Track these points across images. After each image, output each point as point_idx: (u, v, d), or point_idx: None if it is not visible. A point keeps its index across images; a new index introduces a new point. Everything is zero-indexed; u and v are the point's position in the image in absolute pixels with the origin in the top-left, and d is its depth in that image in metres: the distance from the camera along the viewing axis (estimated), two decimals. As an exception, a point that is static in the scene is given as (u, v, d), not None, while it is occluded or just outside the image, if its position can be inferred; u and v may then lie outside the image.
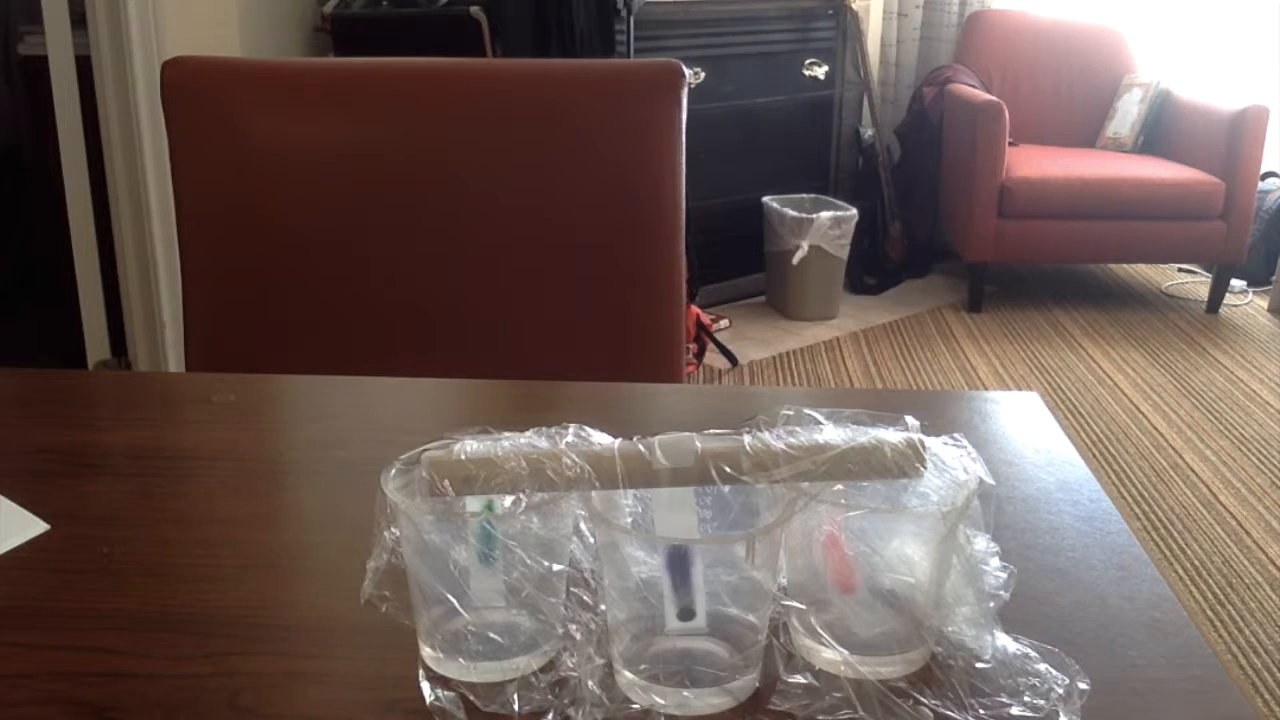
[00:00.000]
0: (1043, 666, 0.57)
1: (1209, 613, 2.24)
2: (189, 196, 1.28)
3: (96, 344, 2.66)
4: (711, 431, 0.58)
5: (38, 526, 0.71)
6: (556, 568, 0.57)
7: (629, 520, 0.58)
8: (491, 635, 0.57)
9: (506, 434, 0.58)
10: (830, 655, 0.57)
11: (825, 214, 3.86)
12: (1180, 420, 3.17)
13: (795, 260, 3.82)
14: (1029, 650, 0.58)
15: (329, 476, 0.81)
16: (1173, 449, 2.98)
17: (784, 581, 0.59)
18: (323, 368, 1.12)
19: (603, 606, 0.58)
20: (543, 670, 0.57)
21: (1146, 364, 3.60)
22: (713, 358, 3.50)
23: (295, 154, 1.28)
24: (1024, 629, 0.59)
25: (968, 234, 4.00)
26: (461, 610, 0.57)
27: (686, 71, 1.27)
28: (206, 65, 1.30)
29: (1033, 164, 3.98)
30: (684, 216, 1.26)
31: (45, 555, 0.69)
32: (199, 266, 1.28)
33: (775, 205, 3.90)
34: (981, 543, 0.59)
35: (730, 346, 3.54)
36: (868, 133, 4.35)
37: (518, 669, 0.57)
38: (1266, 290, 4.22)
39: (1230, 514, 2.63)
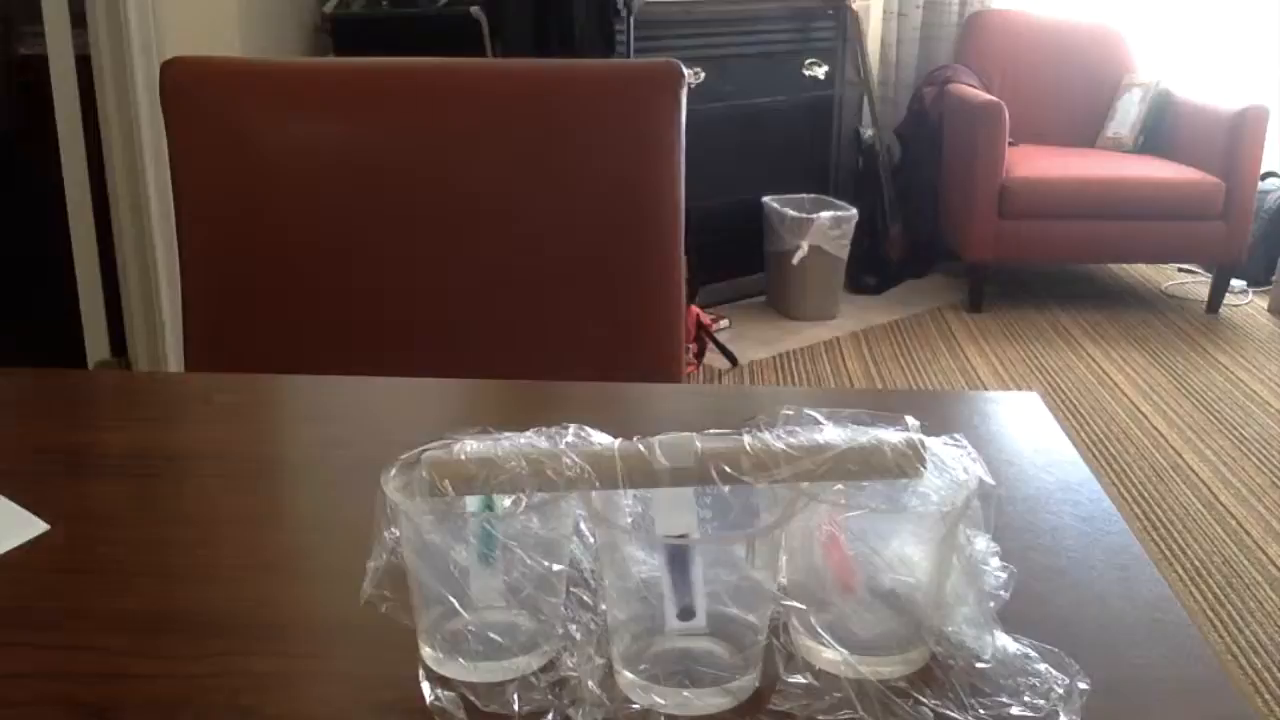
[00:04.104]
0: (1043, 666, 0.57)
1: (1209, 613, 2.24)
2: (188, 196, 1.28)
3: (96, 344, 2.65)
4: (711, 431, 0.58)
5: (37, 526, 0.71)
6: (556, 568, 0.57)
7: (629, 520, 0.58)
8: (491, 635, 0.57)
9: (506, 434, 0.58)
10: (830, 655, 0.57)
11: (825, 214, 3.86)
12: (1180, 420, 3.17)
13: (795, 260, 3.82)
14: (1029, 650, 0.58)
15: (329, 476, 0.81)
16: (1173, 449, 2.98)
17: (784, 581, 0.59)
18: (322, 368, 1.12)
19: (603, 606, 0.58)
20: (543, 670, 0.57)
21: (1146, 364, 3.60)
22: (713, 358, 3.50)
23: (294, 154, 1.28)
24: (1024, 629, 0.59)
25: (968, 234, 4.00)
26: (461, 610, 0.57)
27: (686, 71, 1.27)
28: (205, 65, 1.30)
29: (1033, 164, 3.98)
30: (684, 216, 1.26)
31: (45, 555, 0.69)
32: (198, 266, 1.28)
33: (775, 205, 3.90)
34: (982, 543, 0.59)
35: (730, 346, 3.54)
36: (868, 133, 4.35)
37: (518, 669, 0.57)
38: (1266, 290, 4.22)
39: (1230, 514, 2.63)
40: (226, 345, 1.27)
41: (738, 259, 3.97)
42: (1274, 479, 2.81)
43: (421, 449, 0.58)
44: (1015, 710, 0.54)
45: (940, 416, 0.92)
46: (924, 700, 0.55)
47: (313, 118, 1.29)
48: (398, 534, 0.58)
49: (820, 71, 4.10)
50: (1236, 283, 4.21)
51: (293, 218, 1.22)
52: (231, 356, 1.25)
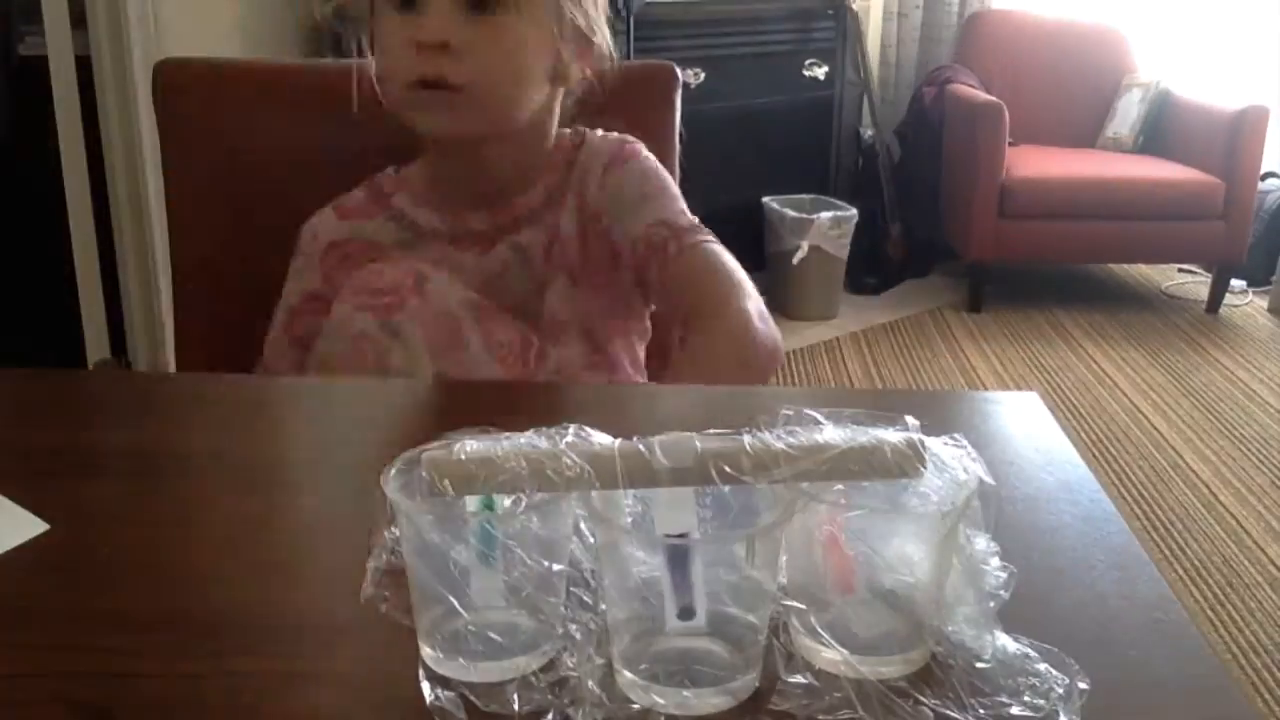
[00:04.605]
0: (1043, 666, 0.57)
1: (1209, 613, 2.24)
2: (181, 198, 1.28)
3: (96, 344, 2.65)
4: (711, 431, 0.58)
5: (37, 526, 0.71)
6: (556, 568, 0.57)
7: (629, 520, 0.58)
8: (491, 635, 0.57)
9: (506, 434, 0.58)
10: (830, 655, 0.57)
11: (825, 214, 3.86)
12: (1180, 420, 3.17)
13: (795, 260, 3.82)
14: (1029, 650, 0.58)
15: (329, 477, 0.81)
16: (1173, 449, 2.98)
17: (784, 581, 0.59)
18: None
19: (603, 606, 0.58)
20: (543, 670, 0.57)
21: (1146, 364, 3.60)
22: (713, 358, 3.49)
23: (289, 155, 1.27)
24: (1024, 629, 0.59)
25: (968, 234, 4.00)
26: (461, 610, 0.57)
27: (686, 72, 1.27)
28: (200, 66, 1.30)
29: (1033, 164, 3.99)
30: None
31: (45, 555, 0.69)
32: (190, 267, 1.28)
33: (775, 205, 3.90)
34: (981, 543, 0.59)
35: (730, 346, 3.53)
36: (868, 133, 4.35)
37: (518, 669, 0.57)
38: (1266, 290, 4.22)
39: (1230, 514, 2.63)
40: (218, 346, 1.27)
41: (738, 259, 3.96)
42: (1274, 479, 2.81)
43: (421, 449, 0.58)
44: (1015, 710, 0.54)
45: (940, 416, 0.92)
46: (924, 700, 0.55)
47: (308, 118, 1.29)
48: (398, 534, 0.58)
49: (820, 72, 4.10)
50: (1236, 283, 4.21)
51: (286, 218, 1.22)
52: (224, 358, 1.24)
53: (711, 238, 1.17)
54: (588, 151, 1.20)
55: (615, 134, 1.23)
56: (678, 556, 0.55)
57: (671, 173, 1.23)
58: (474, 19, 1.07)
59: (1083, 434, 3.07)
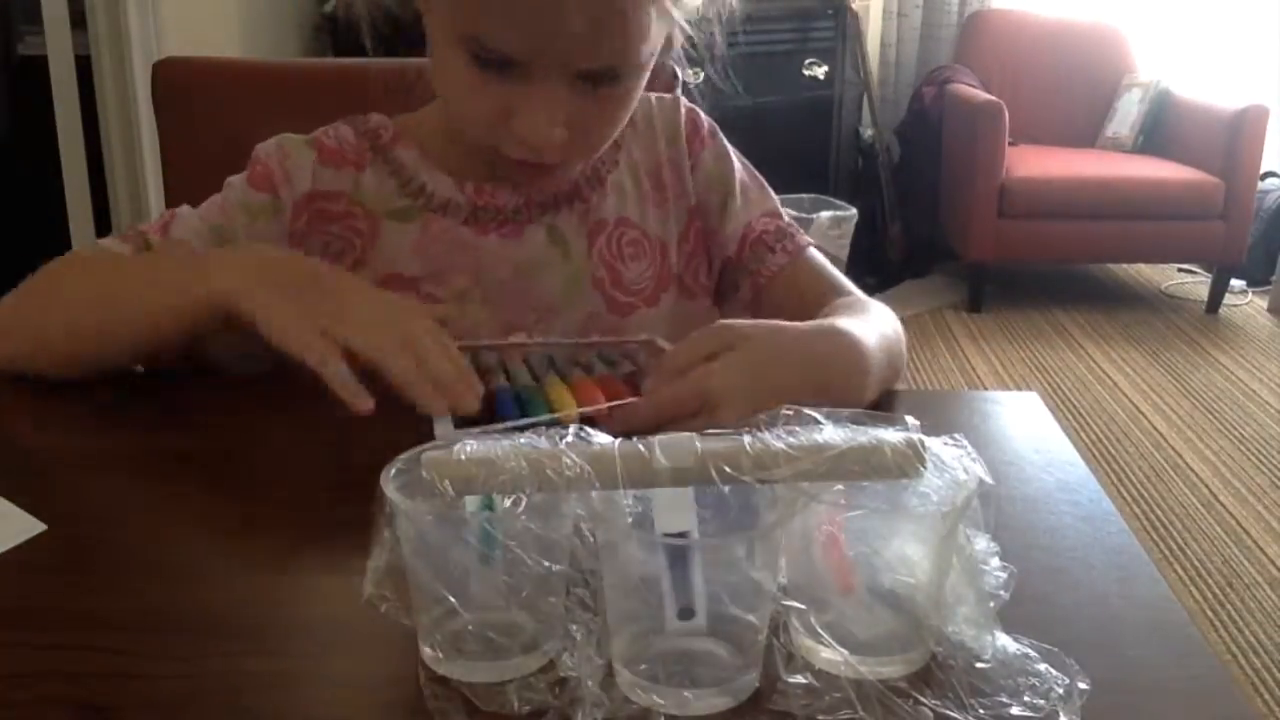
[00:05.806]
0: (1043, 666, 0.57)
1: (1209, 613, 2.24)
2: (182, 198, 1.27)
3: (96, 344, 2.65)
4: (711, 431, 0.58)
5: (34, 527, 0.71)
6: (556, 568, 0.57)
7: (629, 520, 0.58)
8: (491, 635, 0.57)
9: (507, 434, 0.58)
10: (830, 655, 0.57)
11: (825, 214, 3.85)
12: (1180, 420, 3.17)
13: (795, 260, 3.82)
14: (1029, 650, 0.58)
15: (329, 476, 0.81)
16: (1173, 449, 2.98)
17: (784, 581, 0.59)
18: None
19: (603, 606, 0.58)
20: (542, 670, 0.57)
21: (1146, 364, 3.60)
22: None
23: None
24: (1024, 629, 0.59)
25: (968, 234, 4.00)
26: (461, 610, 0.57)
27: (685, 72, 1.27)
28: (200, 66, 1.30)
29: (1033, 164, 3.99)
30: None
31: (44, 555, 0.69)
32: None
33: (775, 205, 3.89)
34: (981, 543, 0.59)
35: (730, 346, 3.53)
36: (868, 133, 4.35)
37: (517, 669, 0.57)
38: (1266, 290, 4.22)
39: (1230, 514, 2.63)
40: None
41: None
42: (1274, 479, 2.81)
43: (421, 449, 0.58)
44: (1015, 710, 0.54)
45: (940, 416, 0.92)
46: (924, 700, 0.55)
47: (309, 118, 1.29)
48: (398, 534, 0.58)
49: (820, 71, 4.10)
50: (1236, 283, 4.21)
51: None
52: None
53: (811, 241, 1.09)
54: (640, 119, 1.09)
55: (658, 95, 1.11)
56: (677, 556, 0.55)
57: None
58: (588, 93, 0.89)
59: (1083, 434, 3.07)
